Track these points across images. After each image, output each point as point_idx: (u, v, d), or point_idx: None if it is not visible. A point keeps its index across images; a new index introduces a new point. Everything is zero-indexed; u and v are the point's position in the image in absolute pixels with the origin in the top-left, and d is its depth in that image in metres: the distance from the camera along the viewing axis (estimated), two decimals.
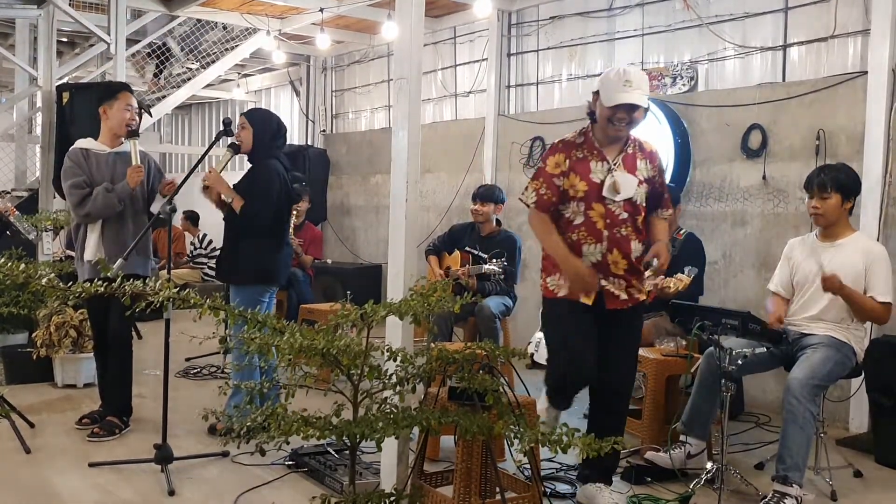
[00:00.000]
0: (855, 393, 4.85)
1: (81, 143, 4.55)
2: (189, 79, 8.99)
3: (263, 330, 2.55)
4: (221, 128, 4.34)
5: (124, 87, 4.71)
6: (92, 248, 4.42)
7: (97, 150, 4.48)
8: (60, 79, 7.96)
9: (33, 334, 5.53)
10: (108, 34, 7.48)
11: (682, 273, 4.66)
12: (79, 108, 6.90)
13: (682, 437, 4.01)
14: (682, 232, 5.02)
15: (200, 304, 2.50)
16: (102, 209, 4.34)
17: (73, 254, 8.52)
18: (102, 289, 2.62)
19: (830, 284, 3.73)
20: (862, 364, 3.98)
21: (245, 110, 4.89)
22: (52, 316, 5.40)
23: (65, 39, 9.57)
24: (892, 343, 4.36)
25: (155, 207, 4.44)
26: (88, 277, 4.34)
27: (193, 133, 13.95)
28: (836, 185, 3.87)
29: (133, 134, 4.42)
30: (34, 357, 5.37)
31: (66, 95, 7.07)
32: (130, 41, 8.22)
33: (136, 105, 4.53)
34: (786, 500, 3.46)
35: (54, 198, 7.05)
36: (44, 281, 2.68)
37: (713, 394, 3.80)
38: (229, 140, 4.41)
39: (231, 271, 4.52)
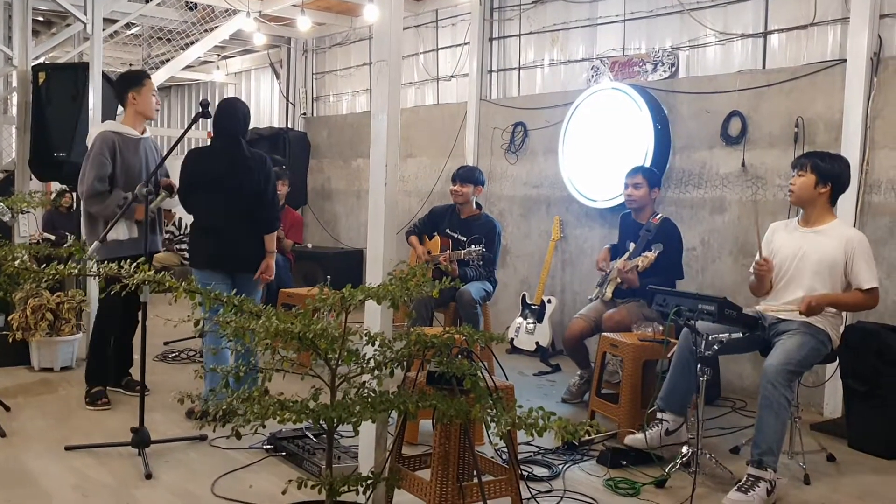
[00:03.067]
0: (829, 378, 4.90)
1: (112, 126, 4.67)
2: (168, 60, 8.89)
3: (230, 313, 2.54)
4: (199, 109, 4.30)
5: (147, 74, 4.90)
6: (123, 227, 4.54)
7: (129, 135, 4.64)
8: (36, 59, 7.84)
9: (9, 317, 5.48)
10: (85, 13, 7.36)
11: (650, 251, 4.72)
12: (55, 89, 6.80)
13: (658, 416, 4.04)
14: (657, 217, 5.05)
15: (176, 287, 2.48)
16: (105, 215, 4.49)
17: (50, 237, 8.46)
18: (76, 271, 2.60)
19: (810, 309, 3.76)
20: (837, 350, 4.02)
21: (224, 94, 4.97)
22: (28, 299, 5.35)
23: (41, 18, 9.43)
24: (867, 329, 4.41)
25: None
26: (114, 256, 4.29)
27: (173, 115, 13.81)
28: (812, 165, 3.92)
29: (168, 190, 4.43)
30: (10, 340, 5.32)
31: (42, 75, 6.97)
32: (108, 21, 8.10)
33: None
34: (760, 484, 3.50)
35: (31, 179, 6.97)
36: (16, 263, 2.65)
37: (689, 372, 3.84)
38: (208, 122, 4.43)
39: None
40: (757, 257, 4.01)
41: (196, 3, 8.47)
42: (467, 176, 5.65)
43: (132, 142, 4.64)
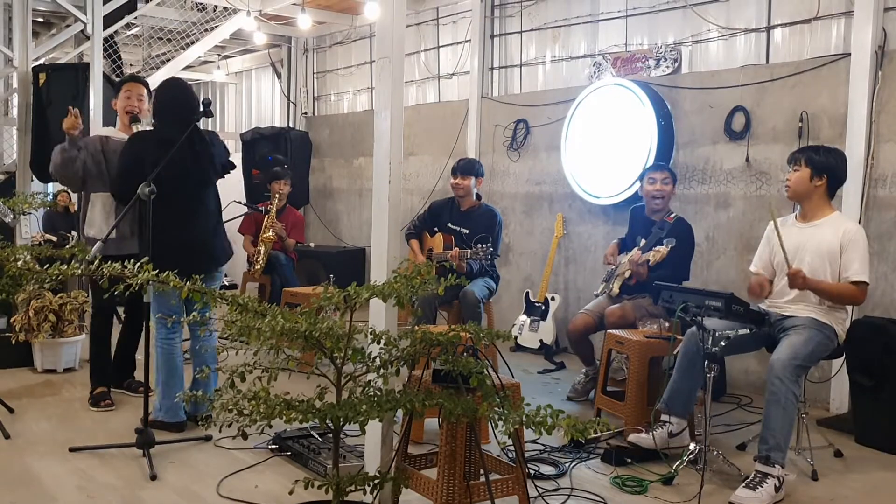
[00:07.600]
0: (836, 374, 4.88)
1: (102, 130, 4.88)
2: (168, 60, 8.87)
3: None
4: (200, 108, 4.28)
5: (129, 79, 4.98)
6: (97, 224, 4.54)
7: (116, 138, 4.71)
8: (37, 59, 7.83)
9: (12, 319, 5.46)
10: (85, 13, 7.36)
11: (661, 245, 4.67)
12: (56, 90, 6.80)
13: (663, 417, 4.02)
14: (672, 216, 5.01)
15: (180, 287, 2.46)
16: (58, 163, 4.52)
17: (51, 238, 8.45)
18: (80, 270, 2.58)
19: (795, 282, 3.76)
20: (843, 345, 4.00)
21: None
22: (30, 300, 5.33)
23: (41, 19, 9.41)
24: (873, 324, 4.39)
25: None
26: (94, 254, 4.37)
27: None
28: (807, 159, 3.91)
29: (135, 120, 4.68)
30: (13, 342, 5.31)
31: (42, 76, 6.97)
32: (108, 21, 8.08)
33: (140, 91, 4.78)
34: (768, 480, 3.48)
35: (31, 180, 6.97)
36: (19, 264, 2.64)
37: (694, 373, 3.83)
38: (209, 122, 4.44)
39: None
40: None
41: (205, 5, 8.46)
42: (468, 168, 5.63)
43: (117, 143, 4.63)
